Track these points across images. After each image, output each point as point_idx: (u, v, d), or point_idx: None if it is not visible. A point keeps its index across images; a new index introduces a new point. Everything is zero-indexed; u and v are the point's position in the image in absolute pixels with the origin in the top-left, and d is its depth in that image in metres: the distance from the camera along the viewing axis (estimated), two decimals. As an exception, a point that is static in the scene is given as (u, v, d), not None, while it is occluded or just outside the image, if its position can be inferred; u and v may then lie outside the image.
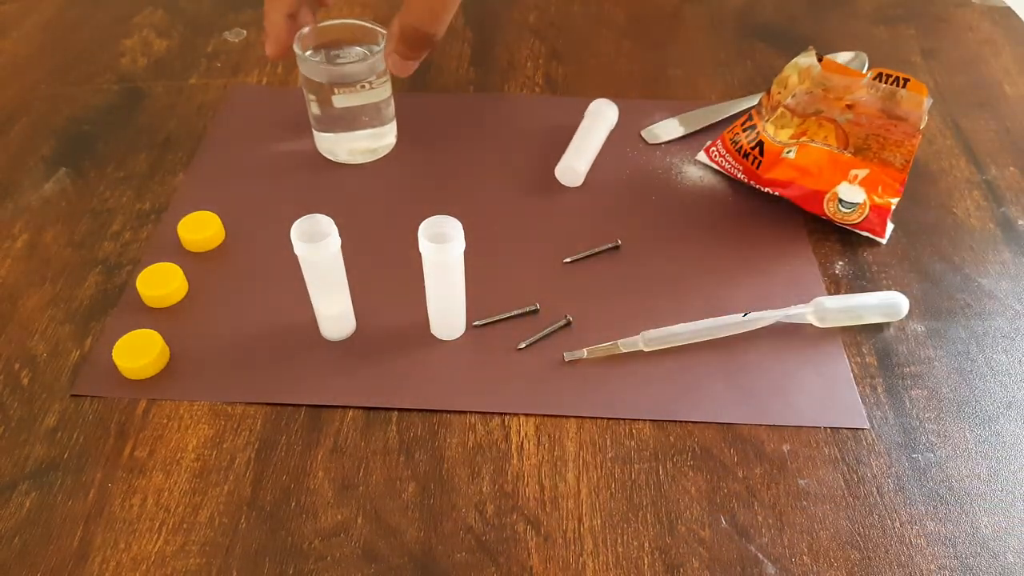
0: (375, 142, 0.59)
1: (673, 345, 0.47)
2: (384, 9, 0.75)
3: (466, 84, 0.67)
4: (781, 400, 0.46)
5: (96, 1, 0.76)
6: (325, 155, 0.60)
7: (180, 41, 0.71)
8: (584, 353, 0.47)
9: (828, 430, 0.45)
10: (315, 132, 0.59)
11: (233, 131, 0.62)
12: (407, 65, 0.53)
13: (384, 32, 0.55)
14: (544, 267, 0.52)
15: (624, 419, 0.45)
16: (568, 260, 0.53)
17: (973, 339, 0.49)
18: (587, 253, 0.53)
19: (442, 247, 0.42)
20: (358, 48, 0.57)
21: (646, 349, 0.47)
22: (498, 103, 0.65)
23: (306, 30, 0.55)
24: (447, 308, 0.47)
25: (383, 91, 0.57)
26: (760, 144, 0.55)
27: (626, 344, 0.47)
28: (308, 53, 0.55)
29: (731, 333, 0.48)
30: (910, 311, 0.49)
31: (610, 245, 0.53)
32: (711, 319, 0.48)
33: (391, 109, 0.59)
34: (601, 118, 0.60)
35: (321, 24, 0.56)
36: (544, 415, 0.45)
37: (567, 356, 0.47)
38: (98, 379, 0.46)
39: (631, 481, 0.42)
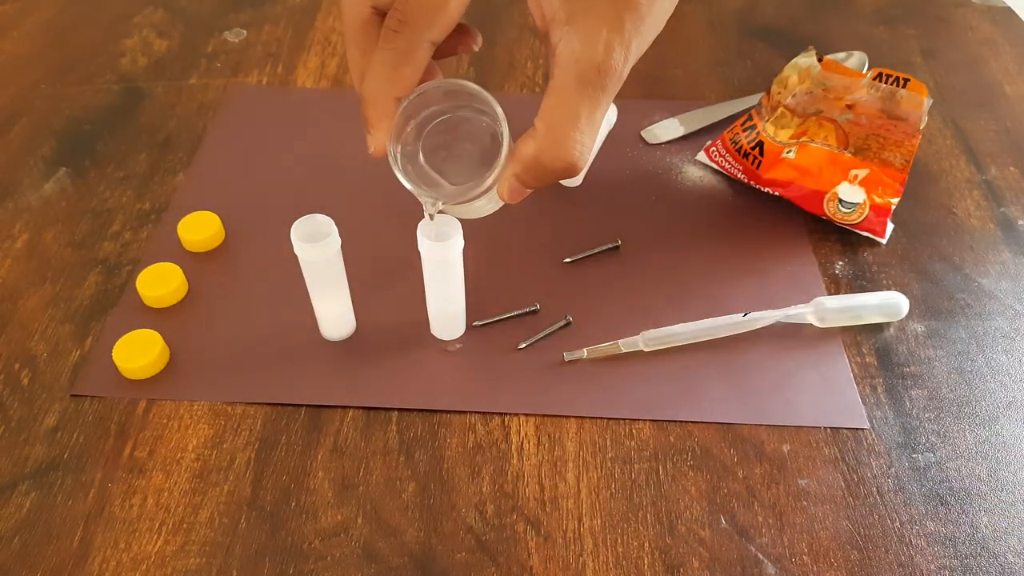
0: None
1: (673, 345, 0.47)
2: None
3: (466, 84, 0.67)
4: (781, 400, 0.46)
5: (96, 1, 0.76)
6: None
7: (180, 41, 0.71)
8: (584, 353, 0.47)
9: (828, 430, 0.45)
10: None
11: (233, 131, 0.62)
12: (523, 193, 0.38)
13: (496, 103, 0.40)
14: (544, 267, 0.52)
15: (624, 419, 0.45)
16: (568, 260, 0.53)
17: (973, 339, 0.49)
18: (587, 253, 0.53)
19: (441, 245, 0.42)
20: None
21: (646, 349, 0.47)
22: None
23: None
24: (447, 308, 0.47)
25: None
26: (760, 144, 0.55)
27: (626, 344, 0.47)
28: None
29: (731, 333, 0.48)
30: (910, 311, 0.49)
31: (610, 245, 0.53)
32: (711, 319, 0.48)
33: None
34: None
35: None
36: (544, 415, 0.45)
37: (567, 356, 0.47)
38: (98, 379, 0.46)
39: (631, 481, 0.42)
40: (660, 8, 0.35)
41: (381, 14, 0.37)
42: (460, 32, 0.39)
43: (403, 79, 0.37)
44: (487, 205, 0.41)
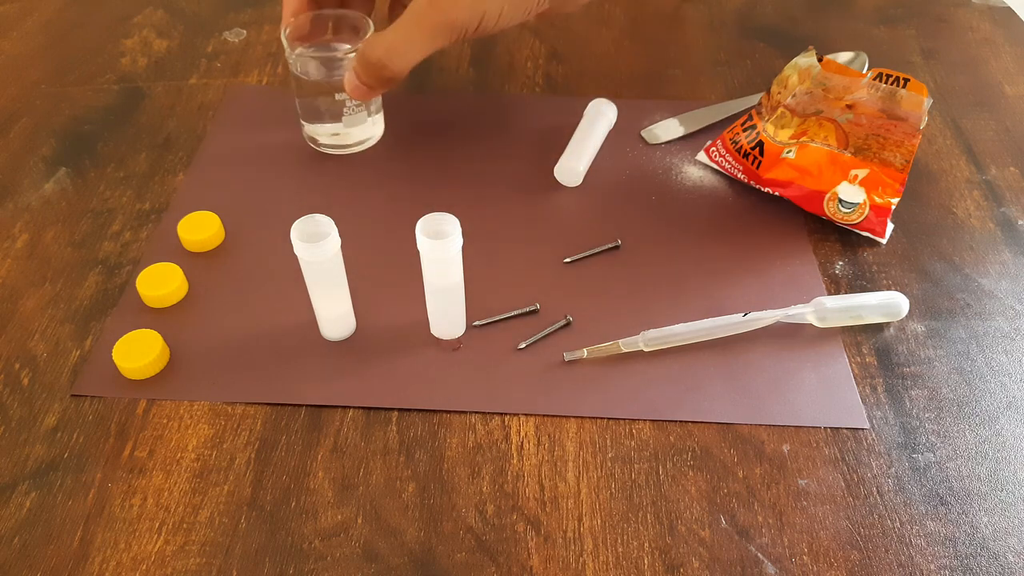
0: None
1: (673, 345, 0.47)
2: None
3: (466, 84, 0.67)
4: (781, 400, 0.46)
5: (96, 1, 0.76)
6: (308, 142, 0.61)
7: (180, 41, 0.71)
8: (584, 353, 0.47)
9: (828, 430, 0.45)
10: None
11: (233, 131, 0.62)
12: (362, 90, 0.51)
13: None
14: (544, 267, 0.52)
15: (624, 419, 0.45)
16: (568, 260, 0.53)
17: (973, 339, 0.49)
18: (587, 253, 0.53)
19: (440, 243, 0.42)
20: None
21: (646, 349, 0.47)
22: (498, 103, 0.65)
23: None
24: (446, 307, 0.47)
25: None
26: (760, 144, 0.55)
27: (627, 344, 0.47)
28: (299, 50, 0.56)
29: (731, 333, 0.48)
30: (910, 311, 0.49)
31: (610, 245, 0.53)
32: (711, 319, 0.48)
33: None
34: (600, 117, 0.60)
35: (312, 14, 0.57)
36: (544, 415, 0.45)
37: (567, 356, 0.47)
38: (98, 379, 0.46)
39: (631, 481, 0.42)
40: None
41: None
42: None
43: (420, 49, 0.49)
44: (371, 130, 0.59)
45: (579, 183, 0.57)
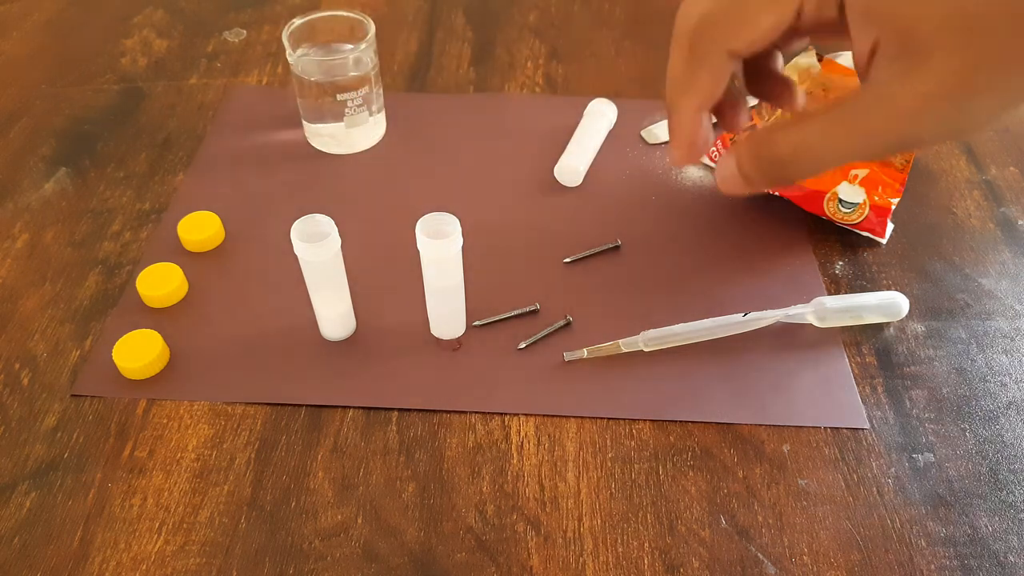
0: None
1: (673, 345, 0.47)
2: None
3: (466, 84, 0.67)
4: (781, 400, 0.46)
5: (96, 1, 0.76)
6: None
7: (180, 41, 0.71)
8: (584, 353, 0.47)
9: (828, 430, 0.45)
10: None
11: (233, 131, 0.62)
12: (736, 184, 0.37)
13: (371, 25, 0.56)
14: (544, 267, 0.52)
15: (624, 419, 0.45)
16: (568, 260, 0.53)
17: (973, 339, 0.49)
18: (587, 253, 0.53)
19: (440, 243, 0.42)
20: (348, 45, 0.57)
21: (646, 349, 0.47)
22: (498, 103, 0.65)
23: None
24: (446, 307, 0.47)
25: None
26: (760, 144, 0.55)
27: (627, 344, 0.47)
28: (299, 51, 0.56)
29: (731, 333, 0.48)
30: (910, 311, 0.49)
31: (610, 245, 0.53)
32: (711, 319, 0.48)
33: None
34: (600, 117, 0.60)
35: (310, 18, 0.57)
36: (544, 415, 0.45)
37: (567, 356, 0.47)
38: (98, 379, 0.46)
39: (631, 481, 0.42)
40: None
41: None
42: (782, 84, 0.38)
43: (698, 84, 0.36)
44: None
45: (579, 183, 0.57)
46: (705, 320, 0.48)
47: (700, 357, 0.47)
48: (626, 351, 0.47)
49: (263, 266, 0.52)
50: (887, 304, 0.49)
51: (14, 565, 0.39)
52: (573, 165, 0.57)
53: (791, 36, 0.36)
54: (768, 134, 0.35)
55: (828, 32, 0.35)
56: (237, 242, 0.54)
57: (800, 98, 0.39)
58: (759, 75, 0.39)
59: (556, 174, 0.58)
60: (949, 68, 0.29)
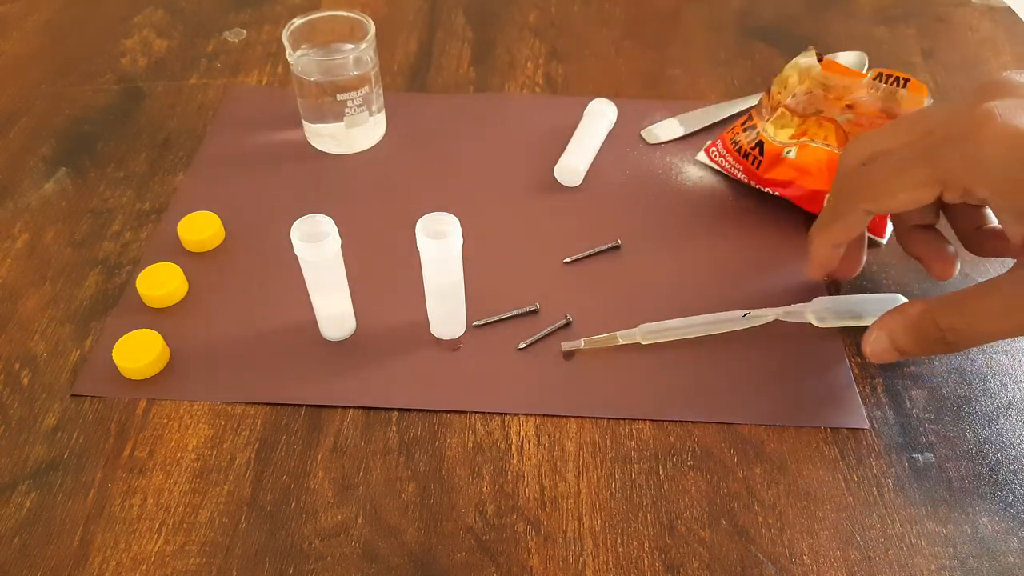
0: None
1: (671, 339, 0.47)
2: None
3: (466, 84, 0.67)
4: (781, 400, 0.46)
5: (96, 1, 0.76)
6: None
7: (180, 41, 0.71)
8: (581, 343, 0.47)
9: (828, 430, 0.45)
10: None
11: (233, 131, 0.62)
12: (890, 356, 0.43)
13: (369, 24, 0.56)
14: (544, 267, 0.52)
15: (624, 419, 0.45)
16: (568, 260, 0.53)
17: (973, 339, 0.49)
18: (587, 253, 0.53)
19: (440, 243, 0.42)
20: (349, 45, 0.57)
21: (644, 342, 0.47)
22: (498, 103, 0.65)
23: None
24: (446, 307, 0.47)
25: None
26: (760, 144, 0.55)
27: (624, 336, 0.47)
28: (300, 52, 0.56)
29: (730, 329, 0.48)
30: (910, 311, 0.49)
31: (610, 245, 0.53)
32: (710, 315, 0.48)
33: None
34: (600, 118, 0.60)
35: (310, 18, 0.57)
36: (544, 415, 0.45)
37: (564, 346, 0.47)
38: (98, 379, 0.46)
39: (631, 481, 0.42)
40: None
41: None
42: (936, 246, 0.46)
43: (834, 231, 0.44)
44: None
45: (579, 183, 0.57)
46: (704, 315, 0.48)
47: (700, 357, 0.47)
48: (623, 343, 0.47)
49: (263, 266, 0.52)
50: (888, 306, 0.49)
51: (14, 565, 0.39)
52: (573, 165, 0.57)
53: (937, 211, 0.44)
54: (930, 316, 0.39)
55: (975, 209, 0.43)
56: (237, 242, 0.54)
57: (953, 268, 0.45)
58: (915, 234, 0.46)
59: (556, 174, 0.58)
60: None
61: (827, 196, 0.46)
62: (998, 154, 0.35)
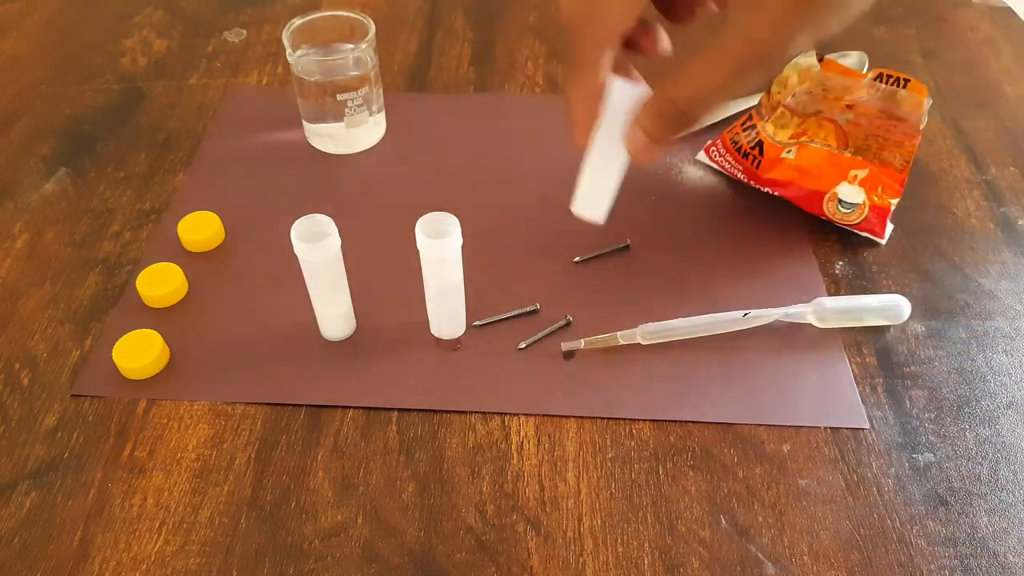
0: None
1: (671, 340, 0.47)
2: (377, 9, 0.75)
3: (466, 84, 0.67)
4: (781, 400, 0.46)
5: (96, 1, 0.76)
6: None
7: (180, 41, 0.71)
8: (581, 344, 0.47)
9: (828, 430, 0.45)
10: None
11: (233, 131, 0.62)
12: (651, 149, 0.41)
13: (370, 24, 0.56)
14: (544, 267, 0.52)
15: (624, 419, 0.45)
16: (578, 260, 0.53)
17: (973, 339, 0.49)
18: (597, 253, 0.53)
19: (439, 242, 0.42)
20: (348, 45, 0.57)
21: (644, 342, 0.47)
22: (498, 103, 0.65)
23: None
24: (446, 306, 0.47)
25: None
26: (760, 144, 0.55)
27: (624, 336, 0.47)
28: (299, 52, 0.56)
29: (730, 330, 0.48)
30: (910, 311, 0.49)
31: (619, 245, 0.53)
32: (710, 315, 0.48)
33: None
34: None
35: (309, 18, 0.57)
36: (544, 415, 0.45)
37: (564, 347, 0.47)
38: (98, 379, 0.46)
39: (631, 481, 0.42)
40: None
41: None
42: (646, 31, 0.42)
43: (582, 82, 0.41)
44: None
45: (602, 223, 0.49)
46: (704, 316, 0.48)
47: (700, 357, 0.47)
48: (624, 343, 0.47)
49: (263, 266, 0.52)
50: (888, 307, 0.49)
51: (14, 565, 0.39)
52: (595, 214, 0.48)
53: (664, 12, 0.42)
54: (664, 95, 0.40)
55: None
56: (237, 242, 0.54)
57: (661, 37, 0.44)
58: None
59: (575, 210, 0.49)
60: None
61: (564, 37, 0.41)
62: None
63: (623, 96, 0.41)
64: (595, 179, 0.45)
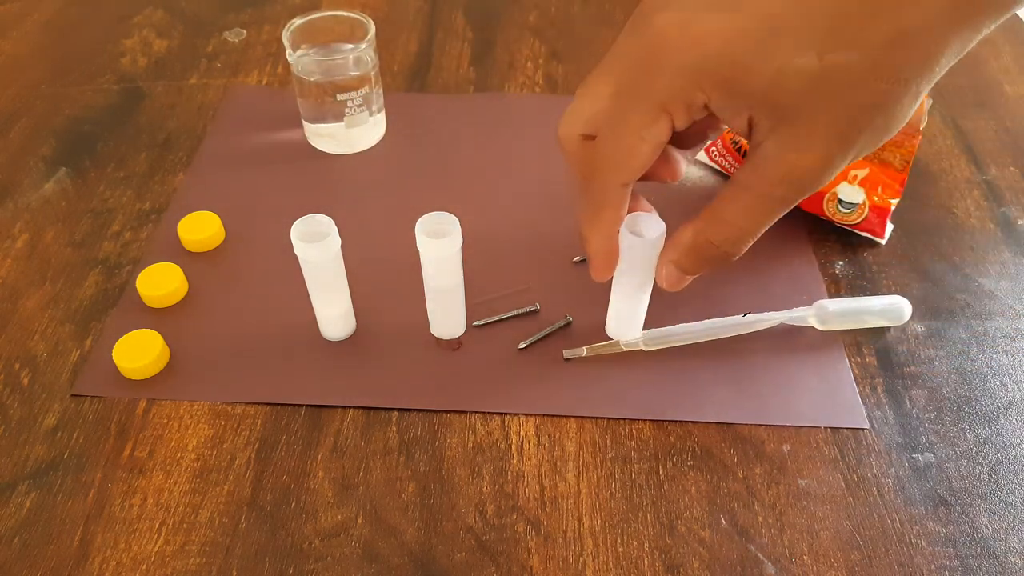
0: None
1: (673, 345, 0.47)
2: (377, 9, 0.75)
3: (466, 84, 0.67)
4: (781, 400, 0.46)
5: (96, 1, 0.76)
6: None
7: (180, 41, 0.71)
8: (583, 351, 0.47)
9: (828, 430, 0.45)
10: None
11: (233, 131, 0.62)
12: (683, 280, 0.41)
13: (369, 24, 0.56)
14: (544, 267, 0.52)
15: (624, 419, 0.45)
16: (578, 260, 0.53)
17: (973, 339, 0.49)
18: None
19: (440, 243, 0.42)
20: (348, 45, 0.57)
21: (646, 348, 0.47)
22: (498, 103, 0.65)
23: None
24: (446, 307, 0.47)
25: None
26: (760, 144, 0.55)
27: (627, 343, 0.47)
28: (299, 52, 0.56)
29: (731, 334, 0.48)
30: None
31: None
32: (712, 320, 0.47)
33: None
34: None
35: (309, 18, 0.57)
36: (544, 415, 0.45)
37: (567, 354, 0.47)
38: (98, 379, 0.46)
39: (631, 481, 0.42)
40: (896, 117, 0.35)
41: (592, 139, 0.38)
42: (666, 159, 0.41)
43: (604, 220, 0.40)
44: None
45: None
46: (706, 320, 0.48)
47: (700, 357, 0.47)
48: (626, 350, 0.47)
49: (263, 266, 0.52)
50: (890, 309, 0.49)
51: (14, 565, 0.39)
52: (630, 337, 0.48)
53: (675, 143, 0.40)
54: (703, 237, 0.38)
55: (708, 126, 0.39)
56: (237, 242, 0.54)
57: (681, 166, 0.42)
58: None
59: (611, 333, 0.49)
60: (819, 124, 0.32)
61: (577, 188, 0.41)
62: (694, 59, 0.33)
63: (647, 229, 0.41)
64: (625, 308, 0.45)
